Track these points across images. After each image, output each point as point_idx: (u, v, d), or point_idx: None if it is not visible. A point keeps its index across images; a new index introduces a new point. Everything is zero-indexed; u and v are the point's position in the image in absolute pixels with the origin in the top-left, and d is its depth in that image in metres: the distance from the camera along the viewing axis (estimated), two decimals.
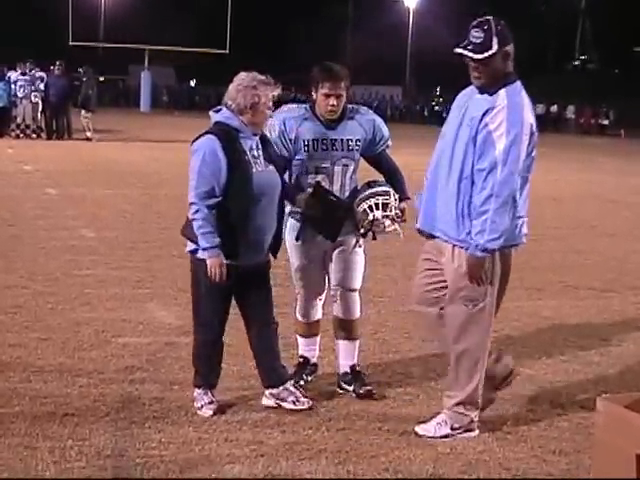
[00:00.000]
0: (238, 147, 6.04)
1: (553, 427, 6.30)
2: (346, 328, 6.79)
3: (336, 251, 6.65)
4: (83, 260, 11.25)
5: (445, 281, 6.08)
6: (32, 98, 31.04)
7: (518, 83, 5.96)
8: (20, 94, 30.98)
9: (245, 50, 66.32)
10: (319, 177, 6.53)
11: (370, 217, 6.39)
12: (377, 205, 6.38)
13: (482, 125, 5.79)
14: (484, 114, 5.79)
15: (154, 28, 57.71)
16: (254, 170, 6.05)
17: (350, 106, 6.62)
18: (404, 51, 77.22)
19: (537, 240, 13.00)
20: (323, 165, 6.54)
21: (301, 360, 6.96)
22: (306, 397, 6.41)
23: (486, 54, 5.80)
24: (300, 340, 6.99)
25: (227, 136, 6.03)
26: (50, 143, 29.99)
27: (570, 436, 6.13)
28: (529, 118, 5.86)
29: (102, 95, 49.49)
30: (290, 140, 6.48)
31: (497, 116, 5.76)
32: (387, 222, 6.40)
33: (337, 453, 5.66)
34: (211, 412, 6.14)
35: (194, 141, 6.11)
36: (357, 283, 6.76)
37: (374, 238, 6.61)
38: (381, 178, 6.78)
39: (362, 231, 6.53)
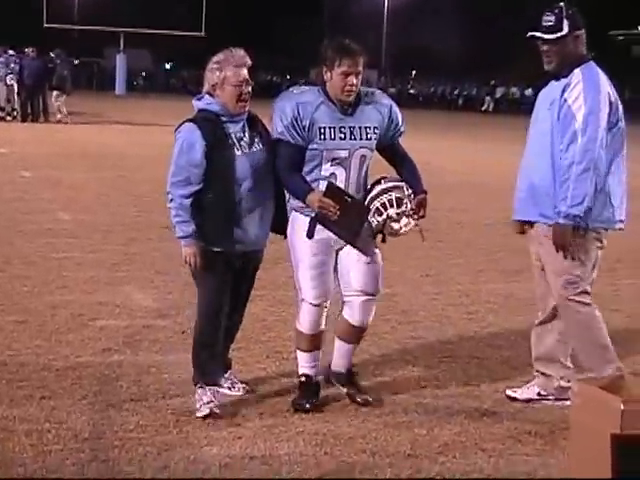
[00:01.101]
0: (219, 132, 5.78)
1: (528, 408, 6.33)
2: (355, 334, 6.20)
3: (353, 252, 6.02)
4: (59, 243, 11.21)
5: None
6: (7, 80, 30.97)
7: (592, 63, 6.15)
8: None
9: (222, 33, 66.16)
10: (335, 169, 5.91)
11: (384, 216, 5.82)
12: (390, 202, 5.81)
13: (562, 102, 6.01)
14: (563, 91, 6.01)
15: (129, 10, 57.39)
16: (238, 153, 5.79)
17: (364, 89, 6.01)
18: (380, 35, 77.15)
19: None
20: (340, 155, 5.87)
21: (303, 380, 6.18)
22: (243, 383, 6.37)
23: (557, 34, 6.03)
24: (302, 356, 6.21)
25: (207, 122, 5.79)
26: (25, 125, 29.90)
27: (545, 417, 6.16)
28: (606, 88, 6.06)
29: (77, 78, 49.18)
30: (304, 127, 5.80)
31: (574, 90, 5.99)
32: (403, 220, 5.83)
33: (315, 435, 5.66)
34: (208, 411, 5.83)
35: (177, 128, 5.90)
36: (380, 288, 6.18)
37: (383, 240, 6.10)
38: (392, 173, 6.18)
39: (375, 232, 6.00)
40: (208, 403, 5.86)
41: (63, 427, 5.60)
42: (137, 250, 10.89)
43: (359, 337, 6.30)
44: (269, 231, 6.09)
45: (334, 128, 5.84)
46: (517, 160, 6.49)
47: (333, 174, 5.88)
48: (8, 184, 16.19)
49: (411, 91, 68.26)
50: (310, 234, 5.90)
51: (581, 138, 5.91)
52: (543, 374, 6.46)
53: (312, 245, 5.93)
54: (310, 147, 5.87)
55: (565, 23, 6.02)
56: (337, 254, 6.06)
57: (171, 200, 5.79)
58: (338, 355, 6.28)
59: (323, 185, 5.83)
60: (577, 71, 6.04)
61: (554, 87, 6.17)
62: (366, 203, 5.90)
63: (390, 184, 5.90)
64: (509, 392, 6.51)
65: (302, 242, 5.96)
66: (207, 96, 5.89)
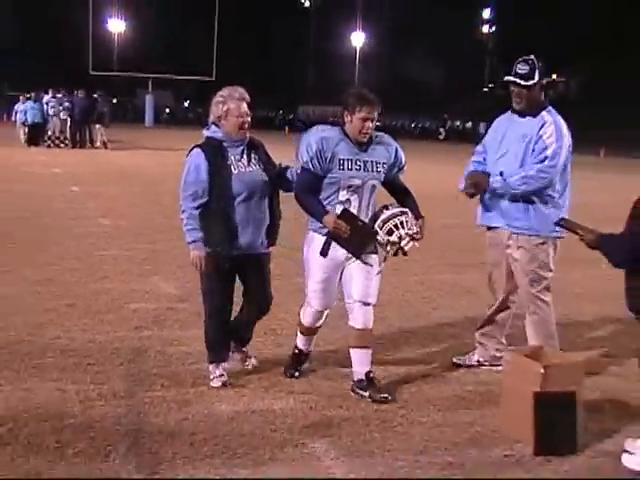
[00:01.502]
0: (220, 155, 5.66)
1: (470, 372, 6.36)
2: (362, 337, 5.77)
3: (356, 266, 5.71)
4: (100, 243, 11.18)
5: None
6: (61, 115, 31.01)
7: (551, 108, 6.15)
8: (51, 112, 31.08)
9: (229, 77, 66.15)
10: (350, 195, 5.63)
11: (396, 236, 5.55)
12: (402, 223, 5.58)
13: (537, 137, 5.99)
14: (540, 129, 5.99)
15: (156, 59, 57.80)
16: (235, 171, 5.64)
17: (374, 132, 5.75)
18: (353, 77, 77.14)
19: (464, 226, 13.07)
20: (355, 183, 5.59)
21: (297, 352, 6.17)
22: (254, 358, 6.30)
23: (530, 82, 6.00)
24: (300, 337, 6.16)
25: (211, 147, 5.69)
26: (75, 151, 29.75)
27: (483, 379, 6.19)
28: (568, 133, 6.09)
29: (115, 113, 49.10)
30: (326, 158, 5.54)
31: (548, 129, 5.98)
32: (407, 239, 5.57)
33: (302, 394, 5.68)
34: (220, 383, 5.75)
35: (188, 152, 5.78)
36: (376, 298, 5.81)
37: (404, 254, 5.67)
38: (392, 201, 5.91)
39: (389, 249, 5.63)
40: (220, 377, 5.80)
41: (104, 387, 5.60)
42: (162, 248, 10.84)
43: (366, 339, 5.81)
44: (265, 238, 5.89)
45: (351, 160, 5.60)
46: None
47: (348, 200, 5.63)
48: (60, 196, 16.14)
49: (377, 123, 68.33)
50: (324, 253, 5.66)
51: (548, 162, 5.93)
52: (482, 345, 6.48)
53: (324, 264, 5.69)
54: (330, 175, 5.60)
55: (536, 73, 6.01)
56: (344, 268, 5.76)
57: (183, 211, 5.66)
58: (356, 363, 5.83)
59: (339, 208, 5.61)
60: (545, 113, 6.04)
61: (523, 123, 6.09)
62: (376, 224, 5.62)
63: (397, 210, 5.68)
64: (455, 360, 6.53)
65: (315, 259, 5.71)
66: (213, 126, 5.78)
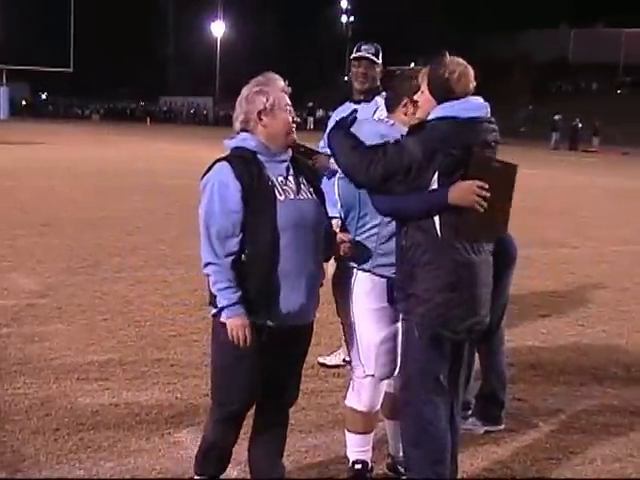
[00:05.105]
0: (256, 171, 3.69)
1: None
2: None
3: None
4: None
5: None
6: None
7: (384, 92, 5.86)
8: None
9: (87, 68, 64.86)
10: None
11: None
12: None
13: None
14: (373, 113, 5.52)
15: (11, 49, 55.98)
16: (281, 198, 3.69)
17: None
18: (214, 67, 76.75)
19: None
20: None
21: (358, 467, 4.27)
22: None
23: (378, 60, 5.83)
24: (353, 440, 4.28)
25: (242, 160, 3.72)
26: None
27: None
28: None
29: None
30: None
31: (382, 112, 5.55)
32: None
33: (167, 385, 5.67)
34: None
35: (204, 174, 3.78)
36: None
37: None
38: None
39: None
40: None
41: None
42: (21, 245, 10.55)
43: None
44: (317, 302, 3.91)
45: None
46: None
47: None
48: None
49: None
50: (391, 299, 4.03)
51: None
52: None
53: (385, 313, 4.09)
54: None
55: (380, 55, 5.86)
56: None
57: (207, 264, 3.68)
58: (393, 437, 4.47)
59: None
60: (378, 98, 5.63)
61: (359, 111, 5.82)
62: None
63: None
64: (320, 359, 6.38)
65: (370, 308, 4.08)
66: (243, 133, 3.84)
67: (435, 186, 3.72)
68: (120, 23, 79.78)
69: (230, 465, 4.09)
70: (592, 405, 5.66)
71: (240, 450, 4.11)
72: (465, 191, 3.67)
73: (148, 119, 65.06)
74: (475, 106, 3.84)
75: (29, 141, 30.55)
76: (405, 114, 4.12)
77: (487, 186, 3.66)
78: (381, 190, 3.81)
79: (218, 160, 3.74)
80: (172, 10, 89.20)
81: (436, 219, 3.74)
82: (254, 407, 3.96)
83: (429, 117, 3.83)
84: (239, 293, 3.64)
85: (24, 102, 74.91)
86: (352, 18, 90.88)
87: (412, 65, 4.52)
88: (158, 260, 9.89)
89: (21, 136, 36.06)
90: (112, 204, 14.83)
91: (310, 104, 72.39)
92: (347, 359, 6.12)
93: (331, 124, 5.50)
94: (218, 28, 77.93)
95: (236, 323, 3.63)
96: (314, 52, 78.75)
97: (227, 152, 3.82)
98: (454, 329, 3.81)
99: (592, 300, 8.93)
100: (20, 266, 9.30)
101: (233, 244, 3.64)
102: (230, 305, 3.63)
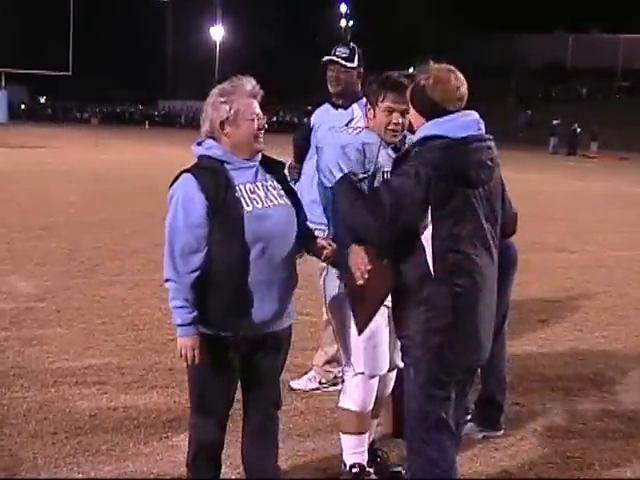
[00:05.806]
0: (223, 182, 3.57)
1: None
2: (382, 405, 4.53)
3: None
4: None
5: None
6: None
7: (365, 100, 5.53)
8: None
9: (86, 72, 64.91)
10: None
11: None
12: None
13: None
14: (347, 124, 5.11)
15: (9, 53, 55.85)
16: (248, 209, 3.57)
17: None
18: (213, 71, 76.72)
19: None
20: None
21: (356, 471, 4.26)
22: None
23: (349, 64, 5.52)
24: (349, 441, 4.26)
25: (208, 171, 3.60)
26: None
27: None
28: None
29: None
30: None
31: (359, 124, 5.07)
32: None
33: (165, 388, 5.66)
34: None
35: (171, 184, 3.68)
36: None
37: None
38: None
39: None
40: None
41: None
42: (19, 248, 10.55)
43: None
44: (292, 308, 3.87)
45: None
46: None
47: None
48: None
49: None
50: None
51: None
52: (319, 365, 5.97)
53: None
54: None
55: (356, 57, 5.57)
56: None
57: (167, 279, 3.60)
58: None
59: None
60: (355, 106, 5.40)
61: (333, 116, 5.54)
62: None
63: None
64: (293, 384, 5.86)
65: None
66: (208, 140, 3.72)
67: (429, 220, 3.50)
68: (119, 27, 79.77)
69: (228, 469, 4.09)
70: (590, 410, 5.66)
71: (239, 453, 4.10)
72: (356, 255, 3.72)
73: (147, 123, 65.05)
74: (465, 123, 3.56)
75: (28, 145, 30.53)
76: (369, 119, 4.08)
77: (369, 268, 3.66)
78: (396, 231, 3.57)
79: (184, 171, 3.64)
80: (171, 14, 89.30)
81: (428, 255, 3.50)
82: (242, 412, 3.96)
83: (414, 138, 3.64)
84: (194, 314, 3.56)
85: (23, 106, 74.88)
86: (351, 22, 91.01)
87: (410, 70, 4.45)
88: (156, 264, 9.80)
89: (20, 139, 36.02)
90: (111, 207, 14.83)
91: (309, 107, 72.47)
92: (322, 381, 5.90)
93: (312, 123, 5.66)
94: (217, 32, 78.06)
95: (186, 343, 3.58)
96: (313, 55, 78.90)
97: (195, 159, 3.73)
98: (453, 372, 3.61)
99: (590, 305, 8.93)
100: (18, 269, 9.30)
101: (197, 259, 3.55)
102: (183, 325, 3.58)
